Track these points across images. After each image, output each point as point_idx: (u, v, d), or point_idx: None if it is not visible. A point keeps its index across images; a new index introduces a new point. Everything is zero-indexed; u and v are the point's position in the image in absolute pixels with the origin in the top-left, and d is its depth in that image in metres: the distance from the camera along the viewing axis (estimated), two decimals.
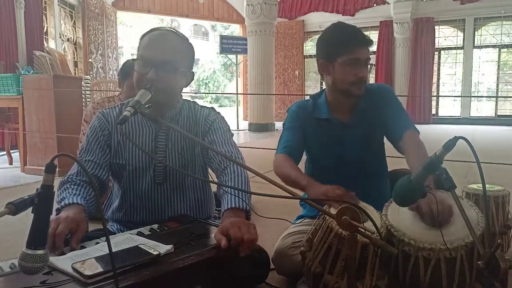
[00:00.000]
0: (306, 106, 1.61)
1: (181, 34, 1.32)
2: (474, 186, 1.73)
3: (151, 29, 1.30)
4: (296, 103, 1.65)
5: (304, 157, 1.67)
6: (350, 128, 1.55)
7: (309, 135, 1.58)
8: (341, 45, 1.46)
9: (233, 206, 1.14)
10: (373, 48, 10.41)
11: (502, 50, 9.95)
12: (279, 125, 8.88)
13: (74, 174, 1.28)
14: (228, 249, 0.98)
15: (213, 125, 1.38)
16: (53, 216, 0.78)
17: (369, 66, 1.50)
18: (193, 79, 1.37)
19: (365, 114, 1.55)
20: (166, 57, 1.23)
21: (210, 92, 25.47)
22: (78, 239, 1.06)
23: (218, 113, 1.45)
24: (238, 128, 9.09)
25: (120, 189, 1.38)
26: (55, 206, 0.82)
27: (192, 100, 1.44)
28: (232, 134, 1.42)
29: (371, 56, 1.59)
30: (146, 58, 1.23)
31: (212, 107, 1.46)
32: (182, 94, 1.41)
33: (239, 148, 1.39)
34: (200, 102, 1.50)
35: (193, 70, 1.38)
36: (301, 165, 1.57)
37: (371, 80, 10.76)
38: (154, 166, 1.33)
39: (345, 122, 1.56)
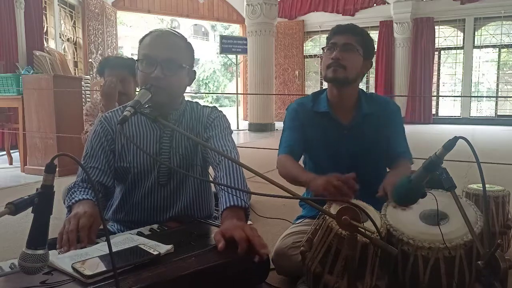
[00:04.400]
0: (305, 102, 1.63)
1: (180, 34, 1.33)
2: (474, 186, 1.73)
3: (150, 31, 1.31)
4: (296, 101, 1.67)
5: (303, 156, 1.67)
6: (350, 130, 1.54)
7: (308, 130, 1.59)
8: (327, 38, 1.57)
9: (231, 204, 1.14)
10: None
11: (502, 50, 9.95)
12: (279, 125, 8.88)
13: (80, 181, 1.29)
14: (229, 252, 0.97)
15: (214, 122, 1.39)
16: (53, 215, 0.78)
17: (355, 51, 1.50)
18: (195, 77, 1.38)
19: (368, 121, 1.54)
20: (170, 55, 1.24)
21: (210, 92, 25.48)
22: (95, 231, 1.09)
23: (220, 111, 1.45)
24: (238, 128, 9.09)
25: (122, 190, 1.38)
26: (56, 209, 0.82)
27: (194, 101, 1.45)
28: (232, 131, 1.43)
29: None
30: (150, 56, 1.24)
31: (215, 106, 1.47)
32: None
33: (239, 147, 1.39)
34: (200, 102, 1.51)
35: (194, 70, 1.39)
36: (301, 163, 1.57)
37: (371, 80, 10.78)
38: (158, 168, 1.33)
39: (345, 124, 1.55)
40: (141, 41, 1.29)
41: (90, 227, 1.08)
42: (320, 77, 11.25)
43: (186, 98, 1.44)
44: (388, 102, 1.63)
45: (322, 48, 1.57)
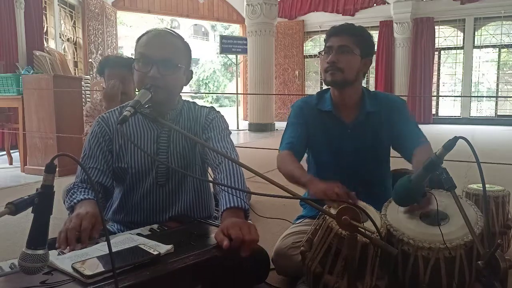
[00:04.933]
0: (310, 100, 1.64)
1: (177, 33, 1.33)
2: (474, 186, 1.73)
3: (147, 31, 1.31)
4: (301, 99, 1.68)
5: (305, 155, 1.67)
6: (353, 129, 1.55)
7: (312, 127, 1.59)
8: (325, 39, 1.56)
9: (232, 205, 1.14)
10: None
11: (502, 50, 9.95)
12: (279, 125, 8.87)
13: (79, 182, 1.29)
14: (229, 250, 0.98)
15: (212, 123, 1.39)
16: (53, 215, 0.78)
17: (351, 52, 1.48)
18: (192, 77, 1.37)
19: (372, 119, 1.54)
20: (167, 55, 1.24)
21: (210, 92, 25.48)
22: (98, 231, 1.09)
23: (218, 112, 1.45)
24: (238, 128, 9.09)
25: (121, 191, 1.38)
26: (56, 209, 0.82)
27: (191, 101, 1.45)
28: (230, 132, 1.43)
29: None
30: (147, 56, 1.24)
31: (212, 106, 1.46)
32: (182, 94, 1.42)
33: (239, 147, 1.40)
34: (200, 102, 1.50)
35: (193, 70, 1.39)
36: (303, 163, 1.57)
37: (371, 79, 10.77)
38: (156, 168, 1.33)
39: (347, 122, 1.56)
40: (138, 40, 1.29)
41: (92, 229, 1.07)
42: (320, 77, 11.27)
43: (186, 98, 1.44)
44: (391, 99, 1.62)
45: (319, 53, 1.57)
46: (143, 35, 1.29)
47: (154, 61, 1.23)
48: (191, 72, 1.37)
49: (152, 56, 1.23)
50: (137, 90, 1.27)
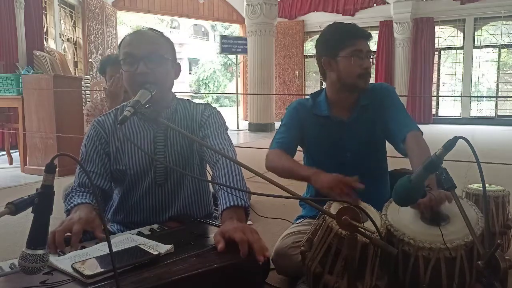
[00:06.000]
0: (305, 104, 1.62)
1: (157, 30, 1.34)
2: (474, 186, 1.73)
3: (127, 33, 1.32)
4: (296, 101, 1.66)
5: (301, 156, 1.67)
6: (350, 126, 1.55)
7: (308, 132, 1.59)
8: (342, 38, 1.49)
9: (231, 204, 1.14)
10: (373, 48, 10.41)
11: (502, 50, 9.95)
12: (279, 125, 8.87)
13: (77, 185, 1.29)
14: (230, 254, 0.97)
15: (208, 119, 1.39)
16: (53, 215, 0.78)
17: (371, 59, 1.51)
18: (180, 70, 1.38)
19: (365, 112, 1.55)
20: (151, 48, 1.25)
21: (210, 92, 25.48)
22: (100, 231, 1.08)
23: (214, 108, 1.45)
24: (238, 128, 9.09)
25: (120, 192, 1.38)
26: (56, 209, 0.82)
27: (186, 99, 1.45)
28: (227, 128, 1.43)
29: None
30: (132, 54, 1.24)
31: (208, 103, 1.46)
32: (182, 94, 1.41)
33: (239, 147, 1.39)
34: (200, 102, 1.50)
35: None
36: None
37: (371, 80, 10.76)
38: (155, 168, 1.33)
39: (344, 120, 1.56)
40: (120, 44, 1.30)
41: (83, 233, 1.06)
42: (320, 78, 11.26)
43: (185, 98, 1.44)
44: (381, 87, 1.62)
45: (336, 52, 1.49)
46: (125, 36, 1.31)
47: (140, 57, 1.23)
48: (179, 65, 1.37)
49: (136, 53, 1.24)
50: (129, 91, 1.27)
